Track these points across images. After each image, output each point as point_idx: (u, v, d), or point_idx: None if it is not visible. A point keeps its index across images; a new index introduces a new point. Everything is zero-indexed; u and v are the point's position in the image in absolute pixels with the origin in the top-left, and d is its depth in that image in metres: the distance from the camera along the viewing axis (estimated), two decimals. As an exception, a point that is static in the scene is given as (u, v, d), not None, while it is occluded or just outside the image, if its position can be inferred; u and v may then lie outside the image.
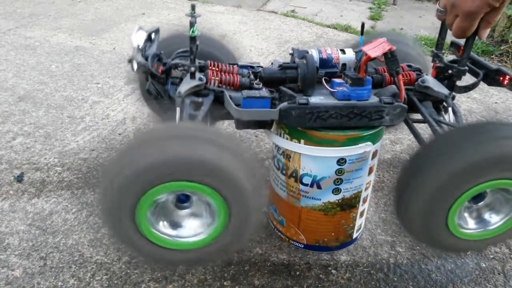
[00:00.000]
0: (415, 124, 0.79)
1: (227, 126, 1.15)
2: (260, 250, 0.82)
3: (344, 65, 0.72)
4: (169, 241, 0.62)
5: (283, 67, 0.71)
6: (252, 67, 0.75)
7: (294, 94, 0.67)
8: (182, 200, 0.63)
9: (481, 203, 0.68)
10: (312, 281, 0.76)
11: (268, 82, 0.71)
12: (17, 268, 0.75)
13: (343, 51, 0.73)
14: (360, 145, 0.68)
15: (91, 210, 0.89)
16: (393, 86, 0.71)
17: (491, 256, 0.83)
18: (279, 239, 0.84)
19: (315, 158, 0.69)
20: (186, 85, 0.67)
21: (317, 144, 0.68)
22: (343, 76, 0.69)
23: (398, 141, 1.20)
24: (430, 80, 0.73)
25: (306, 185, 0.73)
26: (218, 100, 0.69)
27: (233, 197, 0.59)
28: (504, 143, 0.59)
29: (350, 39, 2.02)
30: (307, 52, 0.72)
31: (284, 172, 0.75)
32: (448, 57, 0.79)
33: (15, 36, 1.79)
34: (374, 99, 0.67)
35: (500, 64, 1.90)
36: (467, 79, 0.75)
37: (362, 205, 0.77)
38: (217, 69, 0.72)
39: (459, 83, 0.76)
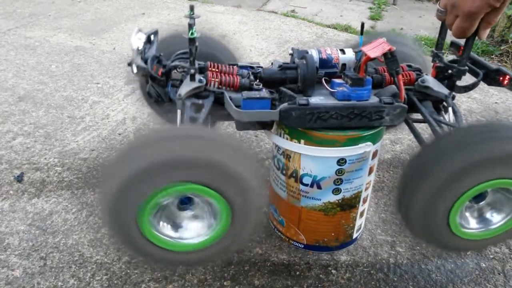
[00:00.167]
0: (415, 124, 0.79)
1: (227, 126, 1.15)
2: (260, 250, 0.82)
3: (344, 65, 0.72)
4: (171, 242, 0.62)
5: (283, 67, 0.71)
6: (252, 67, 0.75)
7: (294, 95, 0.67)
8: (184, 202, 0.63)
9: (482, 203, 0.68)
10: (312, 281, 0.76)
11: (268, 82, 0.71)
12: (17, 268, 0.75)
13: (343, 51, 0.73)
14: (360, 145, 0.68)
15: (91, 210, 0.89)
16: (393, 86, 0.71)
17: (491, 256, 0.83)
18: (279, 239, 0.84)
19: (315, 158, 0.69)
20: (186, 87, 0.67)
21: (317, 144, 0.68)
22: (343, 76, 0.69)
23: (398, 141, 1.20)
24: (430, 80, 0.73)
25: (306, 185, 0.73)
26: (219, 101, 0.69)
27: (236, 199, 0.59)
28: (504, 143, 0.59)
29: (350, 39, 2.02)
30: (307, 52, 0.72)
31: (284, 172, 0.75)
32: (448, 57, 0.79)
33: (15, 36, 1.79)
34: (374, 99, 0.67)
35: (500, 64, 1.90)
36: (467, 79, 0.75)
37: (362, 205, 0.77)
38: (216, 70, 0.72)
39: (459, 83, 0.76)
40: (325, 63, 0.72)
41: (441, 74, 0.76)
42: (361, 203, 0.77)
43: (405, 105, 0.67)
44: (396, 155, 1.14)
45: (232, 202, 0.59)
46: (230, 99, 0.67)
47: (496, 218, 0.68)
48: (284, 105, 0.65)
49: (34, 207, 0.89)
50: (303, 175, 0.72)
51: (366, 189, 0.76)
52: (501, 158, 0.59)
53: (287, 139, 0.70)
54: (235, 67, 0.74)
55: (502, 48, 1.98)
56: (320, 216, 0.76)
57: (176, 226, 0.63)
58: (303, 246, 0.81)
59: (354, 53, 0.73)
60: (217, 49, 0.88)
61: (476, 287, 0.76)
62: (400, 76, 0.68)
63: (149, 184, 0.56)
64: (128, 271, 0.76)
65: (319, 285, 0.75)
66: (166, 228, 0.63)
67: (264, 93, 0.67)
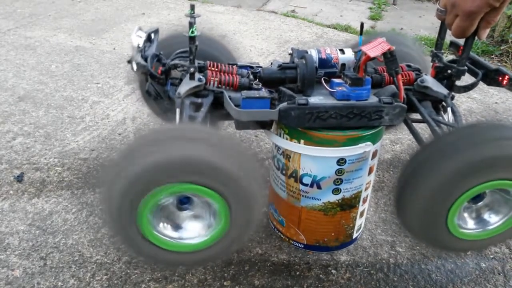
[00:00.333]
0: (414, 124, 0.79)
1: (226, 126, 1.15)
2: (260, 250, 0.82)
3: (343, 65, 0.72)
4: (170, 243, 0.62)
5: (282, 67, 0.71)
6: (251, 67, 0.75)
7: (294, 95, 0.67)
8: (183, 202, 0.63)
9: (480, 203, 0.68)
10: (312, 281, 0.76)
11: (267, 82, 0.71)
12: (17, 268, 0.75)
13: (342, 51, 0.73)
14: (360, 145, 0.68)
15: (91, 210, 0.89)
16: (393, 86, 0.71)
17: (491, 256, 0.83)
18: (279, 239, 0.84)
19: (315, 158, 0.69)
20: (186, 86, 0.67)
21: (317, 144, 0.68)
22: (342, 76, 0.69)
23: (398, 141, 1.20)
24: (429, 80, 0.73)
25: (306, 185, 0.73)
26: (218, 100, 0.69)
27: (235, 199, 0.59)
28: (503, 143, 0.59)
29: (350, 39, 2.02)
30: (306, 52, 0.72)
31: (284, 172, 0.75)
32: (448, 57, 0.79)
33: (15, 36, 1.80)
34: (373, 99, 0.67)
35: (500, 64, 1.90)
36: (466, 79, 0.75)
37: (362, 205, 0.77)
38: (216, 69, 0.72)
39: (458, 83, 0.76)
40: (324, 63, 0.72)
41: (440, 74, 0.76)
42: (361, 203, 0.77)
43: (405, 105, 0.67)
44: (396, 155, 1.14)
45: (230, 203, 0.59)
46: (230, 99, 0.67)
47: (494, 219, 0.68)
48: (284, 104, 0.65)
49: (34, 207, 0.89)
50: (303, 175, 0.72)
51: (366, 189, 0.76)
52: (500, 159, 0.59)
53: (287, 139, 0.70)
54: (234, 66, 0.74)
55: (502, 48, 1.98)
56: (320, 216, 0.76)
57: (175, 226, 0.63)
58: (303, 246, 0.81)
59: (353, 53, 0.73)
60: (217, 49, 0.88)
61: (476, 287, 0.76)
62: (400, 76, 0.68)
63: (148, 184, 0.56)
64: (128, 271, 0.76)
65: (319, 285, 0.75)
66: (165, 228, 0.63)
67: (264, 92, 0.67)
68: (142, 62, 0.71)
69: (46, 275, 0.74)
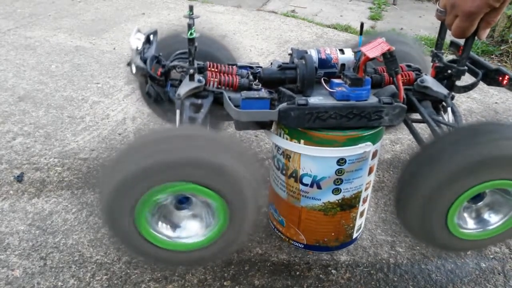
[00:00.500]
0: (414, 124, 0.79)
1: (226, 126, 1.15)
2: (260, 250, 0.82)
3: (343, 65, 0.72)
4: (168, 242, 0.62)
5: (282, 67, 0.71)
6: (251, 67, 0.75)
7: (293, 95, 0.67)
8: (182, 201, 0.63)
9: (480, 203, 0.68)
10: (312, 281, 0.76)
11: (267, 82, 0.71)
12: (17, 268, 0.75)
13: (342, 51, 0.73)
14: (360, 145, 0.68)
15: (91, 210, 0.89)
16: (392, 86, 0.71)
17: (491, 256, 0.83)
18: (279, 239, 0.84)
19: (315, 158, 0.69)
20: (185, 87, 0.67)
21: (317, 144, 0.68)
22: (342, 76, 0.69)
23: (398, 141, 1.20)
24: (429, 80, 0.73)
25: (306, 185, 0.73)
26: (218, 101, 0.69)
27: (234, 199, 0.59)
28: (503, 143, 0.59)
29: (350, 39, 2.02)
30: (306, 52, 0.72)
31: (284, 172, 0.75)
32: (448, 57, 0.79)
33: (15, 36, 1.80)
34: (373, 99, 0.67)
35: (500, 64, 1.90)
36: (466, 79, 0.75)
37: (362, 205, 0.77)
38: (216, 70, 0.72)
39: (458, 83, 0.76)
40: (324, 63, 0.72)
41: (440, 74, 0.76)
42: (361, 203, 0.77)
43: (404, 105, 0.67)
44: (396, 155, 1.14)
45: (229, 202, 0.59)
46: (229, 99, 0.67)
47: (494, 219, 0.68)
48: (283, 105, 0.65)
49: (34, 207, 0.89)
50: (303, 175, 0.72)
51: (366, 189, 0.76)
52: (500, 159, 0.59)
53: (287, 139, 0.70)
54: (234, 67, 0.74)
55: (502, 48, 1.98)
56: (320, 216, 0.76)
57: (174, 226, 0.63)
58: (303, 246, 0.81)
59: (353, 53, 0.73)
60: (216, 49, 0.88)
61: (476, 287, 0.76)
62: (399, 76, 0.68)
63: (146, 184, 0.56)
64: (128, 271, 0.76)
65: (319, 285, 0.75)
66: (164, 228, 0.63)
67: (263, 93, 0.67)
68: (141, 64, 0.71)
69: (46, 275, 0.74)
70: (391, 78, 0.72)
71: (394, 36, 1.01)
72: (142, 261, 0.77)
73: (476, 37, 0.65)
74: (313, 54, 0.72)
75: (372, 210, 0.94)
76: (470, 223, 0.68)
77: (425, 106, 0.73)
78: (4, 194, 0.93)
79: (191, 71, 0.67)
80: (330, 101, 0.66)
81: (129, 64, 0.72)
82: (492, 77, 0.76)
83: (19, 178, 0.97)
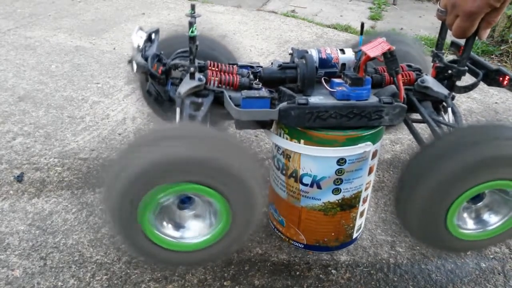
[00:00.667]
0: (414, 124, 0.79)
1: (226, 126, 1.15)
2: (260, 250, 0.82)
3: (343, 65, 0.72)
4: (171, 242, 0.62)
5: (282, 67, 0.71)
6: (251, 67, 0.75)
7: (294, 94, 0.67)
8: (184, 201, 0.63)
9: (479, 204, 0.68)
10: (312, 281, 0.76)
11: (267, 82, 0.71)
12: (17, 268, 0.75)
13: (342, 51, 0.73)
14: (360, 145, 0.68)
15: (91, 210, 0.89)
16: (393, 86, 0.71)
17: (491, 256, 0.83)
18: (279, 239, 0.84)
19: (315, 158, 0.69)
20: (186, 86, 0.67)
21: (317, 144, 0.68)
22: (342, 76, 0.69)
23: (398, 141, 1.20)
24: (429, 80, 0.73)
25: (306, 185, 0.73)
26: (218, 100, 0.69)
27: (236, 198, 0.59)
28: (503, 144, 0.59)
29: (350, 39, 2.02)
30: (307, 52, 0.72)
31: (284, 172, 0.75)
32: (448, 57, 0.79)
33: (15, 36, 1.79)
34: (373, 99, 0.67)
35: (500, 64, 1.90)
36: (466, 79, 0.75)
37: (362, 205, 0.77)
38: (216, 69, 0.72)
39: (459, 83, 0.76)
40: (324, 62, 0.72)
41: (441, 74, 0.76)
42: (361, 203, 0.77)
43: (404, 105, 0.67)
44: (396, 155, 1.14)
45: (231, 202, 0.59)
46: (230, 98, 0.67)
47: (493, 219, 0.68)
48: (283, 104, 0.65)
49: (34, 207, 0.89)
50: (303, 175, 0.72)
51: (366, 189, 0.76)
52: (500, 159, 0.59)
53: (287, 139, 0.70)
54: (235, 66, 0.74)
55: (502, 48, 1.98)
56: (320, 216, 0.75)
57: (176, 226, 0.63)
58: (303, 246, 0.81)
59: (353, 53, 0.73)
60: (217, 49, 0.88)
61: (476, 287, 0.76)
62: (400, 76, 0.68)
63: (150, 183, 0.56)
64: (128, 271, 0.76)
65: (319, 285, 0.75)
66: (166, 228, 0.63)
67: (264, 92, 0.67)
68: (142, 62, 0.71)
69: (46, 275, 0.74)
70: (391, 78, 0.72)
71: (394, 36, 1.01)
72: (142, 261, 0.77)
73: (476, 37, 0.65)
74: (314, 53, 0.72)
75: (372, 210, 0.94)
76: (470, 224, 0.68)
77: (426, 106, 0.73)
78: (4, 194, 0.93)
79: (192, 69, 0.67)
80: (330, 101, 0.66)
81: (130, 61, 0.72)
82: (492, 78, 0.76)
83: (19, 178, 0.97)
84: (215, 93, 0.69)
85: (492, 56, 1.97)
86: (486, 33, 0.64)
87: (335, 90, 0.67)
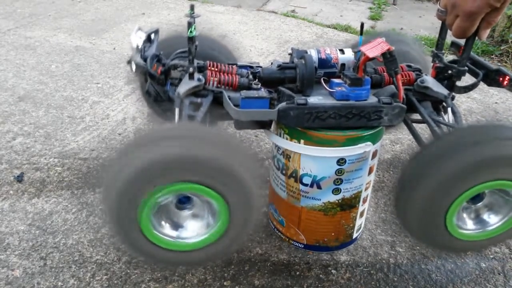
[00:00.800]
0: (414, 125, 0.78)
1: (226, 126, 1.15)
2: (260, 250, 0.82)
3: (343, 65, 0.72)
4: (170, 242, 0.62)
5: (282, 67, 0.71)
6: (251, 67, 0.75)
7: (293, 94, 0.67)
8: (183, 201, 0.63)
9: (479, 204, 0.68)
10: (312, 281, 0.76)
11: (267, 82, 0.71)
12: (17, 268, 0.75)
13: (342, 51, 0.73)
14: (360, 145, 0.68)
15: (91, 210, 0.89)
16: (392, 86, 0.71)
17: (491, 256, 0.83)
18: (279, 239, 0.84)
19: (315, 158, 0.69)
20: (185, 86, 0.67)
21: (317, 144, 0.68)
22: (342, 76, 0.69)
23: (398, 141, 1.20)
24: (429, 80, 0.73)
25: (306, 185, 0.73)
26: (217, 100, 0.69)
27: (234, 198, 0.59)
28: (503, 144, 0.59)
29: (350, 39, 2.02)
30: (306, 52, 0.72)
31: (284, 172, 0.75)
32: (448, 57, 0.79)
33: (15, 36, 1.80)
34: (372, 99, 0.67)
35: (500, 64, 1.90)
36: (467, 79, 0.75)
37: (362, 205, 0.77)
38: (216, 69, 0.72)
39: (459, 83, 0.76)
40: (324, 63, 0.72)
41: (441, 74, 0.76)
42: (361, 203, 0.77)
43: (404, 105, 0.67)
44: (396, 155, 1.14)
45: (230, 202, 0.59)
46: (229, 98, 0.67)
47: (493, 220, 0.68)
48: (283, 104, 0.65)
49: (34, 207, 0.89)
50: (303, 175, 0.72)
51: (366, 189, 0.76)
52: (500, 159, 0.59)
53: (286, 139, 0.70)
54: (234, 66, 0.74)
55: (502, 48, 1.98)
56: (320, 216, 0.75)
57: (175, 226, 0.63)
58: (303, 246, 0.81)
59: (353, 53, 0.73)
60: (217, 49, 0.88)
61: (476, 287, 0.76)
62: (399, 76, 0.68)
63: (149, 183, 0.56)
64: (128, 271, 0.76)
65: (319, 285, 0.75)
66: (165, 228, 0.63)
67: (263, 92, 0.67)
68: (141, 62, 0.71)
69: (46, 275, 0.74)
70: (391, 78, 0.72)
71: (394, 36, 1.01)
72: (142, 261, 0.77)
73: (476, 37, 0.65)
74: (313, 54, 0.72)
75: (372, 210, 0.94)
76: (469, 224, 0.68)
77: (425, 106, 0.73)
78: (4, 194, 0.93)
79: (191, 69, 0.67)
80: (329, 101, 0.66)
81: (129, 62, 0.72)
82: (492, 78, 0.76)
83: (19, 178, 0.97)
84: (214, 93, 0.69)
85: (492, 56, 1.97)
86: (486, 33, 0.64)
87: (334, 90, 0.67)
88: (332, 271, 0.78)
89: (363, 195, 0.76)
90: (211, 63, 0.72)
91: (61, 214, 0.88)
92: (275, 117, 0.66)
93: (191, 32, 0.64)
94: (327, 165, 0.70)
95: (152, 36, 0.79)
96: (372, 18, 2.52)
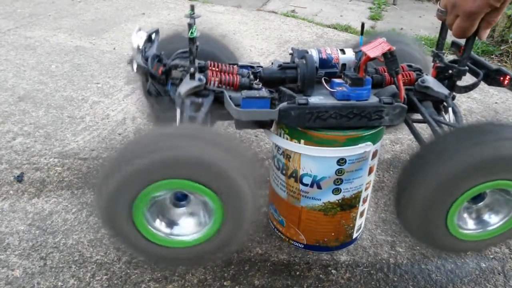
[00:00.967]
0: (415, 124, 0.79)
1: (227, 126, 1.15)
2: (260, 250, 0.82)
3: (344, 65, 0.72)
4: (164, 238, 0.62)
5: (282, 67, 0.71)
6: (252, 67, 0.75)
7: (294, 94, 0.67)
8: (179, 198, 0.63)
9: (480, 204, 0.68)
10: (312, 281, 0.76)
11: (267, 82, 0.71)
12: (17, 268, 0.75)
13: (343, 51, 0.73)
14: (360, 145, 0.68)
15: (91, 210, 0.89)
16: (393, 86, 0.71)
17: (491, 256, 0.83)
18: (279, 239, 0.84)
19: (315, 158, 0.69)
20: (186, 86, 0.67)
21: (317, 144, 0.68)
22: (342, 76, 0.69)
23: (398, 141, 1.20)
24: (430, 80, 0.73)
25: (306, 185, 0.73)
26: (218, 100, 0.69)
27: (229, 197, 0.59)
28: (504, 143, 0.59)
29: (350, 39, 2.02)
30: (307, 52, 0.72)
31: (284, 172, 0.75)
32: (449, 57, 0.79)
33: (15, 36, 1.79)
34: (373, 99, 0.67)
35: (500, 64, 1.90)
36: (467, 79, 0.75)
37: (362, 205, 0.77)
38: (217, 69, 0.72)
39: (459, 83, 0.76)
40: (325, 63, 0.72)
41: (441, 74, 0.76)
42: (361, 203, 0.77)
43: (405, 105, 0.67)
44: (396, 155, 1.14)
45: (224, 201, 0.59)
46: (230, 98, 0.67)
47: (494, 220, 0.68)
48: (284, 104, 0.65)
49: (34, 207, 0.89)
50: (303, 175, 0.72)
51: (366, 189, 0.76)
52: (501, 159, 0.59)
53: (287, 139, 0.70)
54: (235, 66, 0.74)
55: (502, 48, 1.98)
56: (320, 216, 0.75)
57: (170, 223, 0.64)
58: (303, 246, 0.81)
59: (354, 53, 0.73)
60: (218, 49, 0.88)
61: (476, 287, 0.76)
62: (400, 76, 0.68)
63: (144, 179, 0.56)
64: (128, 271, 0.76)
65: (319, 285, 0.75)
66: (160, 224, 0.63)
67: (264, 92, 0.67)
68: (142, 62, 0.71)
69: (46, 275, 0.74)
70: (392, 78, 0.72)
71: (394, 36, 1.01)
72: (142, 260, 0.77)
73: (476, 37, 0.65)
74: (314, 54, 0.72)
75: (372, 210, 0.94)
76: (470, 224, 0.68)
77: (426, 106, 0.73)
78: (4, 194, 0.92)
79: (192, 69, 0.67)
80: (330, 101, 0.66)
81: (130, 62, 0.72)
82: (493, 77, 0.76)
83: (19, 178, 0.97)
84: (215, 93, 0.69)
85: (492, 56, 1.97)
86: (486, 33, 0.64)
87: (335, 90, 0.67)
88: (332, 271, 0.78)
89: (363, 195, 0.76)
90: (212, 63, 0.72)
91: (61, 214, 0.88)
92: (276, 117, 0.66)
93: (191, 33, 0.64)
94: (327, 165, 0.70)
95: (153, 36, 0.79)
96: (372, 18, 2.52)
